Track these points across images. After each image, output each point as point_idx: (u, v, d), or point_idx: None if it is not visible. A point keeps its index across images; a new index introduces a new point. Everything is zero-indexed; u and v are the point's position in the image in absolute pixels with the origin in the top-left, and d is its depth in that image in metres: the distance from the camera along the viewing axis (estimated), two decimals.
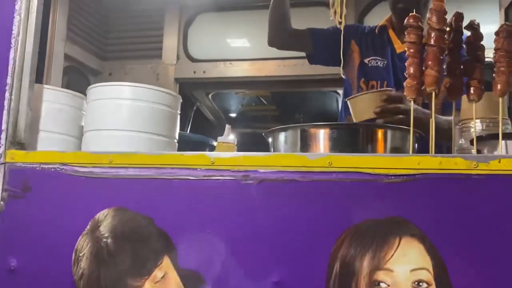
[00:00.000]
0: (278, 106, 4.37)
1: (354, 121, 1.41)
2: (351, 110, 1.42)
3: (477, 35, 1.15)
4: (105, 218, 1.09)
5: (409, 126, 1.22)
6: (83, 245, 1.09)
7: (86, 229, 1.10)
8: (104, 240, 1.08)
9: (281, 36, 1.86)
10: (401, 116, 1.35)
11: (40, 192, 1.13)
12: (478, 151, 1.15)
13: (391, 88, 1.51)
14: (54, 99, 1.28)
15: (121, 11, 3.43)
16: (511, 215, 0.88)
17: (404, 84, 1.10)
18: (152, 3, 3.34)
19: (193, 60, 3.40)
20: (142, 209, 1.07)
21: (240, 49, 3.54)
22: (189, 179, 1.06)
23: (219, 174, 1.05)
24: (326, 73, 3.06)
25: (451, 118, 1.19)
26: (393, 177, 0.95)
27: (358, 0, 3.10)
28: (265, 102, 4.32)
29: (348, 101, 1.42)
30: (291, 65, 3.18)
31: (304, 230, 0.99)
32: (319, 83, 3.26)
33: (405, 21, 1.11)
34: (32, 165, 1.14)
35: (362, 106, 1.36)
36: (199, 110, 3.89)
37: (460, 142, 1.32)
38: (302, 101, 4.20)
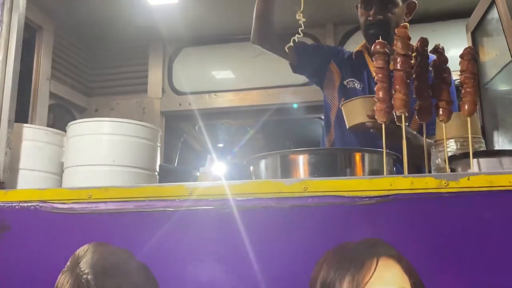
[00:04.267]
0: (265, 135, 4.41)
1: (347, 125, 1.41)
2: (344, 115, 1.43)
3: (442, 58, 1.20)
4: (85, 254, 1.08)
5: (395, 137, 1.23)
6: (64, 282, 1.08)
7: (66, 266, 1.09)
8: (85, 276, 1.07)
9: (262, 33, 1.81)
10: (391, 124, 1.28)
11: (19, 230, 1.13)
12: (453, 170, 1.18)
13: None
14: (33, 137, 1.29)
15: (105, 47, 3.50)
16: (481, 230, 0.90)
17: (375, 108, 1.13)
18: (136, 39, 3.41)
19: (178, 93, 3.45)
20: (122, 243, 1.07)
21: (224, 80, 3.61)
22: (168, 210, 1.06)
23: (197, 204, 1.05)
24: (310, 100, 3.14)
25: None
26: (367, 199, 0.96)
27: (336, 29, 3.20)
28: (252, 131, 4.36)
29: (342, 107, 1.43)
30: (275, 94, 3.24)
31: (284, 256, 1.00)
32: (303, 110, 3.31)
33: (372, 48, 1.15)
34: (11, 204, 1.14)
35: (355, 110, 1.35)
36: (186, 142, 3.92)
37: (437, 162, 1.36)
38: (288, 128, 4.25)
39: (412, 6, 1.80)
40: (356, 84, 1.85)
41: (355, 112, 1.37)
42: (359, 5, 1.81)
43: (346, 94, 1.84)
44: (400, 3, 1.76)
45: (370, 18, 1.74)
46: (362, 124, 1.35)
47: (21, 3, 1.29)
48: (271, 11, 1.79)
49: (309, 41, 3.41)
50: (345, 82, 1.87)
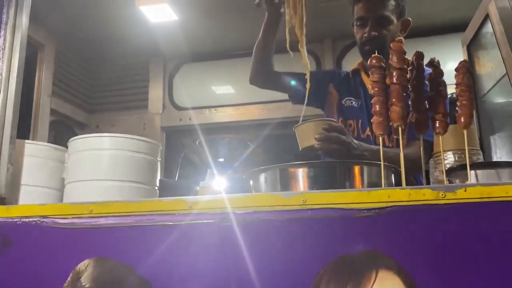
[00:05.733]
0: (265, 149, 4.42)
1: (300, 147, 1.47)
2: (297, 137, 1.48)
3: (438, 72, 1.21)
4: (86, 269, 1.09)
5: (348, 157, 1.38)
6: None
7: (67, 281, 1.09)
8: None
9: (262, 76, 1.92)
10: (340, 146, 1.43)
11: (20, 246, 1.13)
12: (451, 182, 1.19)
13: (333, 119, 1.59)
14: (35, 153, 1.30)
15: (106, 64, 3.54)
16: (479, 241, 0.90)
17: (372, 121, 1.15)
18: (137, 56, 3.46)
19: (178, 108, 3.48)
20: (122, 257, 1.08)
21: (224, 95, 3.64)
22: (168, 224, 1.07)
23: (197, 217, 1.06)
24: (307, 114, 3.15)
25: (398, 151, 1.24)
26: (365, 211, 0.97)
27: (335, 44, 3.24)
28: (253, 146, 4.37)
29: (295, 129, 1.47)
30: (274, 108, 3.27)
31: (284, 269, 1.00)
32: None
33: (368, 62, 1.17)
34: (12, 220, 1.14)
35: (306, 134, 1.41)
36: (187, 157, 3.93)
37: (435, 174, 1.36)
38: (289, 142, 4.25)
39: (407, 23, 1.84)
40: (353, 102, 1.89)
41: (307, 135, 1.43)
42: (354, 23, 1.85)
43: (344, 112, 1.89)
44: (395, 21, 1.79)
45: (366, 35, 1.78)
46: (313, 146, 1.43)
47: (24, 22, 1.32)
48: (270, 51, 1.85)
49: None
50: (342, 102, 1.92)
